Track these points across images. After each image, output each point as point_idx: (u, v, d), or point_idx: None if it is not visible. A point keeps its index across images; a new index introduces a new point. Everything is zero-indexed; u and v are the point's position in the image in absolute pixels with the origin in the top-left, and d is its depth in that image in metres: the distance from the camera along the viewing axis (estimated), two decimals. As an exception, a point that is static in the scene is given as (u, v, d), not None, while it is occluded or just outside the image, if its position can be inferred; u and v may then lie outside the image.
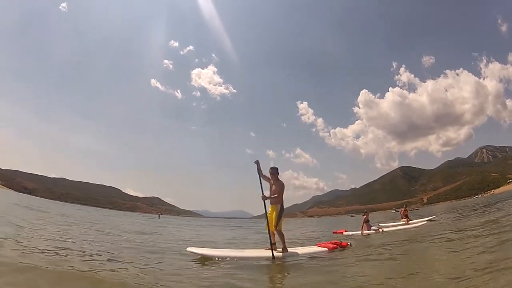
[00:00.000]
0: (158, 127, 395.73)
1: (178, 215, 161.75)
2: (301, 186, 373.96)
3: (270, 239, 6.67)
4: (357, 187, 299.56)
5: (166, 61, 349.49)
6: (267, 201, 6.76)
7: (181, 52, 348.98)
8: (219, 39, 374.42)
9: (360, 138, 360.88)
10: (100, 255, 5.47)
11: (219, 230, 20.74)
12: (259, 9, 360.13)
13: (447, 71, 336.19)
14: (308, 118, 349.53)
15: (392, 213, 71.48)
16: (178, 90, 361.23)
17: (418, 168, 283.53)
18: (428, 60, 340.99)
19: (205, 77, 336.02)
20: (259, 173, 6.85)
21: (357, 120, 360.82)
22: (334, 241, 7.84)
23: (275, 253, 6.33)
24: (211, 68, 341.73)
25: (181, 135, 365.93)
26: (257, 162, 6.90)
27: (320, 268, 5.34)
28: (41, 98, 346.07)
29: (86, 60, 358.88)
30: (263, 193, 6.81)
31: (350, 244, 8.02)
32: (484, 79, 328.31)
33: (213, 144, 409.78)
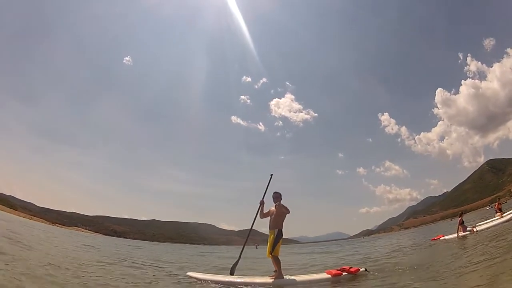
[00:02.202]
0: (245, 161, 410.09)
1: None
2: (395, 199, 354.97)
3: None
4: (449, 191, 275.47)
5: (242, 96, 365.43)
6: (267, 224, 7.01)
7: (256, 86, 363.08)
8: (289, 67, 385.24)
9: (444, 140, 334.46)
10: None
11: (303, 255, 20.53)
12: (319, 36, 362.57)
13: (508, 50, 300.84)
14: (392, 129, 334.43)
15: (488, 209, 66.21)
16: (260, 123, 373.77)
17: (503, 159, 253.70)
18: (489, 43, 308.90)
19: (284, 106, 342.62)
20: (258, 213, 7.23)
21: (439, 121, 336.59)
22: (342, 268, 7.02)
23: (270, 280, 6.49)
24: (288, 96, 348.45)
25: (270, 165, 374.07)
26: (261, 203, 7.19)
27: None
28: (130, 151, 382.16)
29: (167, 109, 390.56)
30: (263, 198, 7.27)
31: (366, 270, 7.02)
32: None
33: (303, 171, 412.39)
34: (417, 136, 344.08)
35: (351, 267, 6.89)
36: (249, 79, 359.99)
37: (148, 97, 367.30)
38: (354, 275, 6.69)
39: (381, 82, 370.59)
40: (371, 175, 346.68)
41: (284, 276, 6.58)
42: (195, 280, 7.00)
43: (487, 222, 15.54)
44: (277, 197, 7.12)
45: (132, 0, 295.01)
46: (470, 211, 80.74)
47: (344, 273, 6.67)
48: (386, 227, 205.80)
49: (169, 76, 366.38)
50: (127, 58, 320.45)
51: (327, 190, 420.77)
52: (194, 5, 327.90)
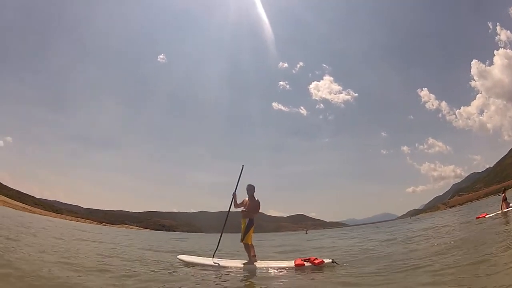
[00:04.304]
0: (292, 146, 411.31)
1: (324, 228, 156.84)
2: (440, 176, 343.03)
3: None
4: (492, 166, 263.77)
5: (281, 82, 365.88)
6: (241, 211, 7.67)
7: (293, 71, 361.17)
8: (325, 48, 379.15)
9: (484, 113, 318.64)
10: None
11: (337, 239, 20.53)
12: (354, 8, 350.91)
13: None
14: (432, 105, 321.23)
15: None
16: (302, 107, 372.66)
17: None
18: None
19: (324, 88, 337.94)
20: (231, 203, 7.76)
21: (477, 94, 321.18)
22: (308, 258, 7.08)
23: (241, 264, 7.16)
24: (327, 78, 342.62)
25: (315, 150, 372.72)
26: (234, 195, 7.75)
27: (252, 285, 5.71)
28: (173, 148, 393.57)
29: (206, 102, 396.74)
30: (235, 191, 7.73)
31: (333, 261, 6.88)
32: None
33: (347, 152, 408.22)
34: (458, 110, 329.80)
35: (316, 259, 6.94)
36: (285, 64, 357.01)
37: (185, 93, 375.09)
38: (318, 267, 6.76)
39: (417, 58, 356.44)
40: (415, 153, 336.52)
41: (255, 263, 7.15)
42: (184, 262, 7.81)
43: None
44: (250, 189, 7.68)
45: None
46: (512, 187, 77.53)
47: (306, 264, 6.83)
48: (433, 206, 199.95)
49: (204, 70, 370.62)
50: (161, 56, 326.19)
51: (373, 171, 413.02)
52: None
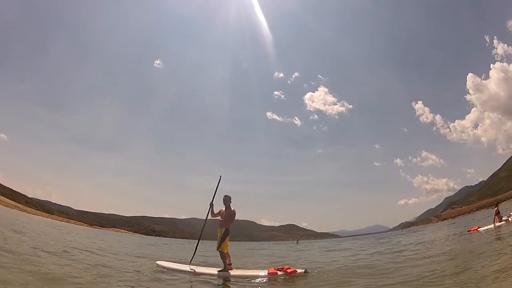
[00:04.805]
0: (285, 156, 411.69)
1: (315, 239, 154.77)
2: (432, 189, 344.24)
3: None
4: (485, 179, 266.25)
5: (276, 92, 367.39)
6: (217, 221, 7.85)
7: (288, 81, 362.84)
8: (321, 57, 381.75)
9: (478, 127, 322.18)
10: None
11: (324, 252, 19.43)
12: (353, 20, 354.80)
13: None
14: (427, 118, 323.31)
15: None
16: (296, 117, 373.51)
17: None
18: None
19: (318, 99, 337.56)
20: (208, 213, 7.89)
21: (472, 108, 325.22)
22: (282, 267, 7.20)
23: (216, 272, 7.37)
24: (322, 89, 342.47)
25: (308, 160, 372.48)
26: (211, 205, 7.89)
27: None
28: (167, 153, 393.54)
29: (201, 109, 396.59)
30: (212, 200, 7.90)
31: (306, 271, 7.13)
32: None
33: (340, 164, 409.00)
34: (452, 124, 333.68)
35: (289, 268, 7.06)
36: (281, 74, 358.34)
37: (182, 98, 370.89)
38: (290, 276, 6.86)
39: (412, 70, 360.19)
40: (408, 166, 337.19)
41: (230, 271, 7.36)
42: (162, 268, 8.02)
43: None
44: (226, 200, 7.89)
45: (153, 2, 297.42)
46: (505, 200, 77.77)
47: (279, 273, 6.97)
48: (424, 219, 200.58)
49: (200, 76, 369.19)
50: (157, 62, 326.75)
51: (365, 183, 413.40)
52: (215, 3, 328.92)
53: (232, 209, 7.88)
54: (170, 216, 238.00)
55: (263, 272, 7.19)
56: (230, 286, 6.40)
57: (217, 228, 7.79)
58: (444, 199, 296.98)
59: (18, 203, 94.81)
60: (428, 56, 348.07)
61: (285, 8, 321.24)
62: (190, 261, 8.23)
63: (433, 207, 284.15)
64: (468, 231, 15.16)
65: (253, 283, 6.56)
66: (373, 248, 16.69)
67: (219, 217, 7.88)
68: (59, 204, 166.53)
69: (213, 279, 6.96)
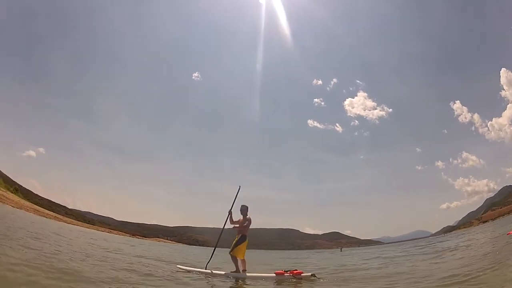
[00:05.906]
0: (326, 164, 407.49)
1: (358, 246, 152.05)
2: (473, 191, 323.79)
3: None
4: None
5: (316, 99, 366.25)
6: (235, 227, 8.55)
7: (327, 88, 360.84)
8: (356, 62, 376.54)
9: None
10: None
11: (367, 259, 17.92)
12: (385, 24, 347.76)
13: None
14: (465, 117, 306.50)
15: None
16: (337, 124, 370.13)
17: None
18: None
19: (358, 104, 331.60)
20: (227, 220, 8.59)
21: (508, 104, 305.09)
22: (290, 270, 7.50)
23: (232, 274, 7.96)
24: (361, 94, 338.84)
25: (350, 167, 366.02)
26: (229, 212, 8.55)
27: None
28: (209, 163, 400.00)
29: (241, 119, 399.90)
30: (231, 209, 8.53)
31: (313, 275, 7.27)
32: None
33: (382, 169, 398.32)
34: (489, 122, 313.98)
35: (296, 270, 7.50)
36: (320, 81, 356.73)
37: (221, 109, 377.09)
38: (298, 279, 7.21)
39: (447, 69, 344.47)
40: (450, 168, 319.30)
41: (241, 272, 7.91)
42: (184, 270, 8.66)
43: None
44: (243, 209, 8.48)
45: (186, 15, 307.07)
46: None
47: (286, 274, 7.41)
48: (466, 222, 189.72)
49: (239, 87, 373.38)
50: (196, 74, 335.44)
51: (408, 187, 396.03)
52: (243, 13, 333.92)
53: (248, 217, 8.46)
54: (214, 226, 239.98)
55: (271, 274, 7.70)
56: (237, 285, 6.86)
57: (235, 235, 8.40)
58: (485, 200, 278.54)
59: (58, 214, 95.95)
60: (462, 54, 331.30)
61: (313, 16, 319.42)
62: (206, 265, 8.80)
63: (474, 209, 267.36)
64: (508, 234, 14.39)
65: (260, 283, 6.96)
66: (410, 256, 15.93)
67: (237, 225, 8.48)
68: (101, 215, 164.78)
69: (223, 279, 7.58)
